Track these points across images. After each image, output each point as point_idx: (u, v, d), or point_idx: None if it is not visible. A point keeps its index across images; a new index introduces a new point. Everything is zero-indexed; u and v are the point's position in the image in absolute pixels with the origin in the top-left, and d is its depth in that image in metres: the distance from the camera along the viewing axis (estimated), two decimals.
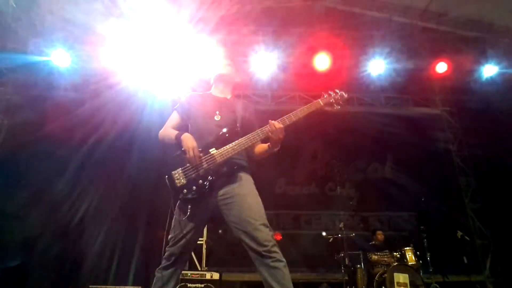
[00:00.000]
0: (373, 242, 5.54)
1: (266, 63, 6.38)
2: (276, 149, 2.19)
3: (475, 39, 6.36)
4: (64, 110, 6.10)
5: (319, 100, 2.32)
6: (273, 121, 2.11)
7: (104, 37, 5.89)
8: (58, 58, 6.10)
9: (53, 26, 5.94)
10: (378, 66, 6.52)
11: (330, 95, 2.35)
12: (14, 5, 5.53)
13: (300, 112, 2.20)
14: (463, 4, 5.87)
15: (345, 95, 2.38)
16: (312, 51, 6.26)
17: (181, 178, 2.08)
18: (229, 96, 2.48)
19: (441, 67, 6.47)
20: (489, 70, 6.55)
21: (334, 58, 6.27)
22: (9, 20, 5.61)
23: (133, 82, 6.38)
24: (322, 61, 6.25)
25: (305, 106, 2.24)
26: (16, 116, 6.16)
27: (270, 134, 2.10)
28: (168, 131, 2.30)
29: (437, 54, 6.51)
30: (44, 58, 6.07)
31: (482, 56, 6.49)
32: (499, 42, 6.33)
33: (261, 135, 2.13)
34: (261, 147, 2.27)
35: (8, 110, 6.22)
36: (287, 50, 6.30)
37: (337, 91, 2.39)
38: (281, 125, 2.11)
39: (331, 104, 2.33)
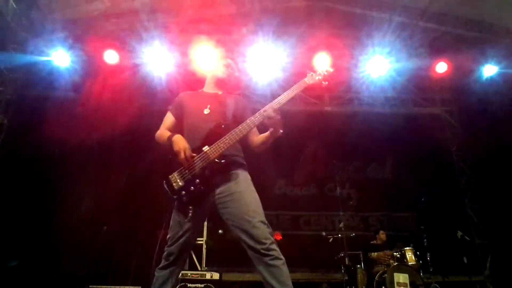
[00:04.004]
0: (375, 242, 5.54)
1: (266, 63, 6.38)
2: (278, 134, 2.13)
3: (475, 39, 6.35)
4: (64, 110, 6.10)
5: (305, 79, 2.25)
6: (268, 105, 2.06)
7: (104, 37, 5.90)
8: (58, 58, 6.10)
9: (53, 26, 5.94)
10: (378, 66, 6.52)
11: (315, 72, 2.29)
12: (14, 5, 5.53)
13: (287, 94, 2.14)
14: (463, 4, 5.87)
15: (331, 70, 2.30)
16: (312, 51, 6.26)
17: (178, 181, 2.07)
18: (220, 92, 2.46)
19: (441, 67, 6.47)
20: (489, 70, 6.54)
21: (334, 58, 6.27)
22: (9, 20, 5.61)
23: (133, 82, 6.39)
24: (322, 61, 6.24)
25: (292, 88, 2.18)
26: (16, 116, 6.16)
27: (266, 120, 2.05)
28: (162, 133, 2.30)
29: (437, 54, 6.50)
30: (44, 58, 6.08)
31: (482, 56, 6.48)
32: (499, 42, 6.33)
33: (251, 125, 2.10)
34: (262, 137, 2.23)
35: (8, 110, 6.22)
36: (287, 50, 6.30)
37: (323, 67, 2.34)
38: (275, 106, 2.06)
39: (318, 82, 2.26)
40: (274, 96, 2.13)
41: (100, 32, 5.93)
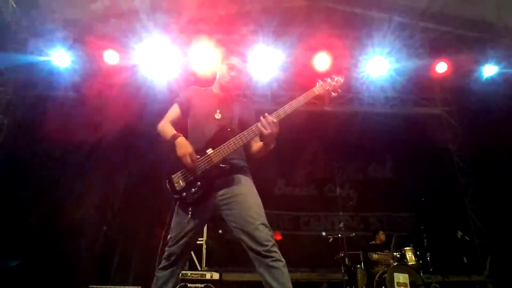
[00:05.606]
0: (374, 242, 5.54)
1: (266, 63, 6.38)
2: (271, 147, 2.13)
3: (475, 39, 6.35)
4: (64, 110, 6.11)
5: (313, 89, 2.24)
6: (266, 114, 2.04)
7: (104, 37, 5.90)
8: (58, 58, 6.11)
9: (53, 26, 5.94)
10: (378, 66, 6.51)
11: (325, 81, 2.28)
12: (14, 5, 5.53)
13: (295, 103, 2.12)
14: (463, 4, 5.87)
15: (342, 80, 2.29)
16: (312, 51, 6.26)
17: (180, 182, 2.08)
18: (227, 95, 2.45)
19: (441, 67, 6.47)
20: (489, 70, 6.54)
21: (334, 58, 6.27)
22: (9, 20, 5.61)
23: (133, 82, 6.39)
24: (322, 61, 6.24)
25: (300, 97, 2.16)
26: (16, 116, 6.16)
27: (262, 129, 2.02)
28: (165, 128, 2.25)
29: (437, 54, 6.50)
30: (44, 58, 6.08)
31: (482, 56, 6.48)
32: (499, 42, 6.33)
33: (255, 132, 2.09)
34: (259, 145, 2.23)
35: (8, 110, 6.22)
36: (287, 50, 6.30)
37: (334, 76, 2.30)
38: (275, 119, 2.04)
39: (327, 92, 2.25)
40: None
41: (100, 32, 5.93)
